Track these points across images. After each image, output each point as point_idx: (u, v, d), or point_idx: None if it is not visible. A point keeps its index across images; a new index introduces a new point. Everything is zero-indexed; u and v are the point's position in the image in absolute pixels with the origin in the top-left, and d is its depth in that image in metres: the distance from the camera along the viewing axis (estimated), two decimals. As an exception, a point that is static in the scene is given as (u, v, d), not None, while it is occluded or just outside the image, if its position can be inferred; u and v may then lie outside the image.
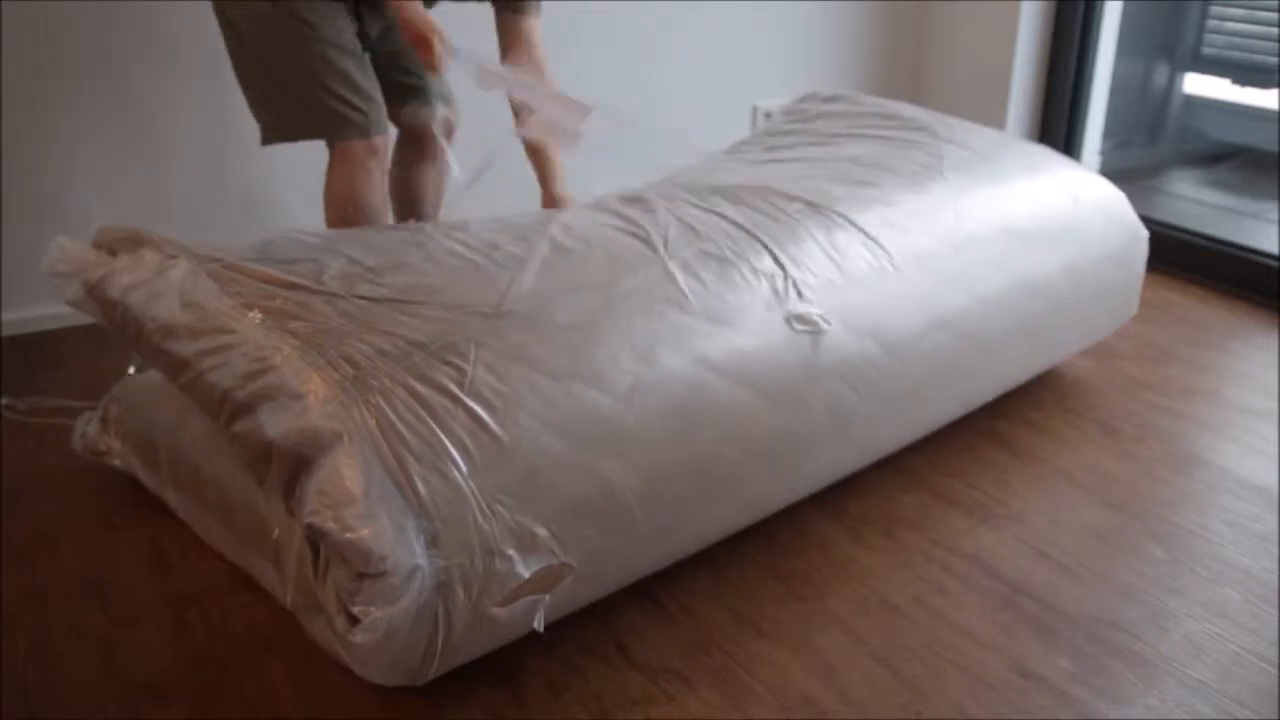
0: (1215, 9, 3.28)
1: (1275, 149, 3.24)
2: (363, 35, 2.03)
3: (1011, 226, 1.99)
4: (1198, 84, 3.37)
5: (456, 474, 1.27)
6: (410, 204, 2.27)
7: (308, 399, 1.29)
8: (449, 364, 1.36)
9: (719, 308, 1.59)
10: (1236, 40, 3.24)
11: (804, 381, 1.62)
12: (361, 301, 1.46)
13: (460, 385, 1.34)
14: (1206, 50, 3.33)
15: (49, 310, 2.40)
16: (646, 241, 1.69)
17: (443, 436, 1.28)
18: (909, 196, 1.93)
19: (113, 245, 1.61)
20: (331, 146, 1.99)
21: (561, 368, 1.41)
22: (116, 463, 1.81)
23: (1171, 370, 2.35)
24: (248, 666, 1.45)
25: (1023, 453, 2.01)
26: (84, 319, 2.37)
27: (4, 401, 2.08)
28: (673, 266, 1.63)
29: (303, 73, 1.91)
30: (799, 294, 1.66)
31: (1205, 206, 2.46)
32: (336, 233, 1.74)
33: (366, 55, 2.02)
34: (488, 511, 1.27)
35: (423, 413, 1.29)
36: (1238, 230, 2.93)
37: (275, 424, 1.28)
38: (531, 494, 1.31)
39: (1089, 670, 1.46)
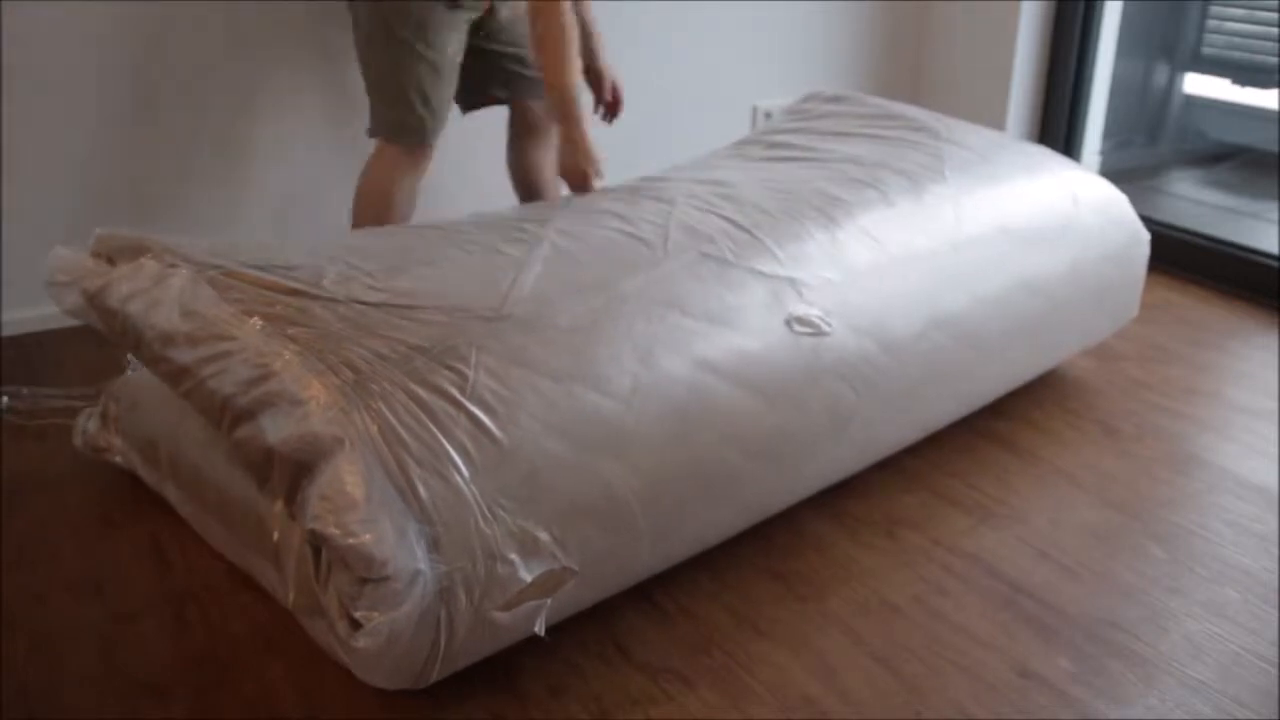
0: (1215, 9, 3.28)
1: (1275, 149, 3.24)
2: (481, 31, 2.15)
3: (1011, 227, 1.99)
4: (1198, 84, 3.37)
5: (458, 478, 1.27)
6: (529, 187, 2.40)
7: (309, 405, 1.29)
8: (450, 368, 1.36)
9: (719, 309, 1.59)
10: (1236, 40, 3.24)
11: (803, 382, 1.62)
12: (361, 306, 1.46)
13: (461, 389, 1.34)
14: (1206, 50, 3.33)
15: (49, 310, 2.39)
16: (647, 243, 1.69)
17: (444, 441, 1.29)
18: (909, 197, 1.93)
19: (111, 253, 1.61)
20: (383, 143, 2.14)
21: (562, 370, 1.42)
22: (117, 459, 1.82)
23: (1171, 370, 2.35)
24: (248, 666, 1.45)
25: (1023, 453, 2.01)
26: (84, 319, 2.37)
27: (4, 402, 2.08)
28: (673, 268, 1.63)
29: (385, 74, 2.06)
30: (799, 295, 1.67)
31: (1205, 206, 2.47)
32: (335, 239, 1.75)
33: (454, 68, 2.11)
34: (489, 515, 1.27)
35: (424, 417, 1.30)
36: (1238, 230, 2.93)
37: (276, 430, 1.28)
38: (533, 497, 1.32)
39: (1089, 670, 1.46)
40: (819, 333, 1.64)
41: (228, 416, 1.35)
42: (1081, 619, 1.56)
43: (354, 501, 1.21)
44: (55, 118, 2.35)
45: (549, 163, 2.33)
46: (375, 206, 2.14)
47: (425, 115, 2.08)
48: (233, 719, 1.36)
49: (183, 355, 1.42)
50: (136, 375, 1.85)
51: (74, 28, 2.31)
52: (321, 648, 1.42)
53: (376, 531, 1.20)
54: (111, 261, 1.60)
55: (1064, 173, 2.17)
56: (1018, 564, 1.68)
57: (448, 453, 1.28)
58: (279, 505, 1.35)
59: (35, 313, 2.42)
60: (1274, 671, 1.46)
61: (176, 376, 1.43)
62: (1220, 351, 2.46)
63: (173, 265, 1.53)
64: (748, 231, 1.75)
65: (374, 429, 1.26)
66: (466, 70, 2.16)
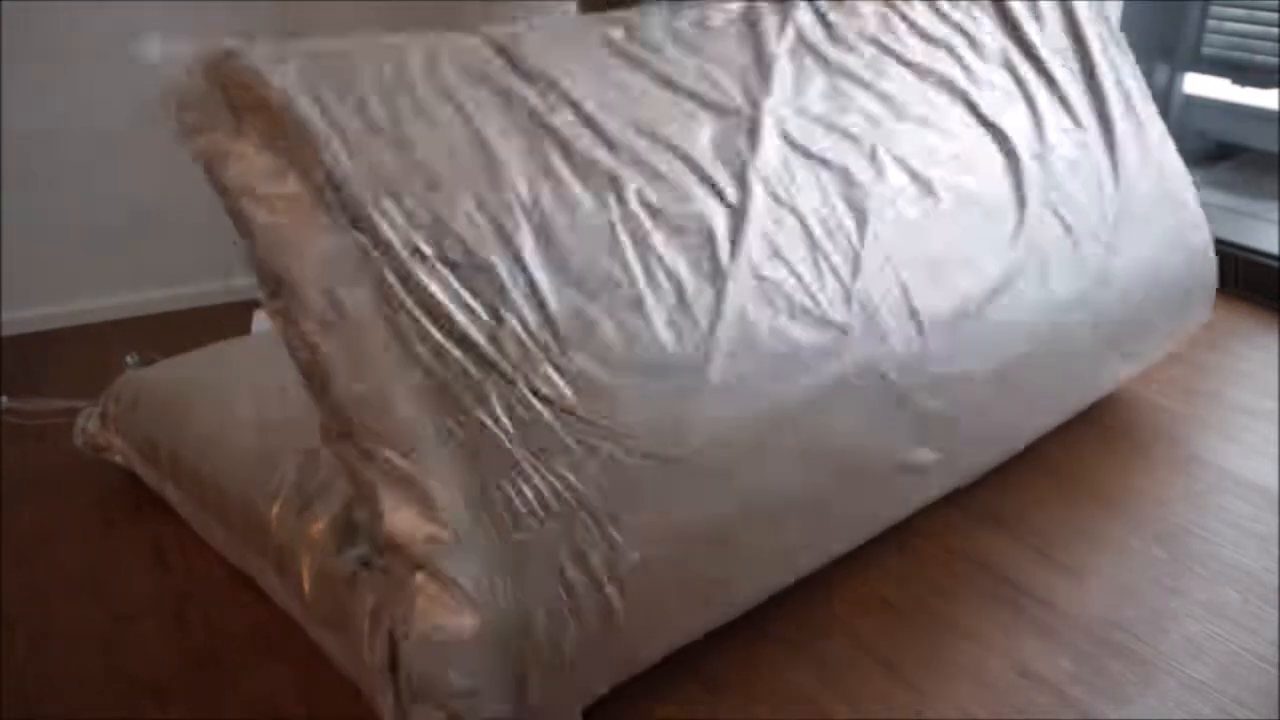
0: (1215, 9, 3.27)
1: (1275, 149, 3.24)
2: None
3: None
4: (1198, 84, 3.36)
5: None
6: None
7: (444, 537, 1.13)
8: (605, 537, 1.20)
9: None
10: (1236, 40, 3.24)
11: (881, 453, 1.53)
12: (540, 408, 1.16)
13: (611, 565, 1.21)
14: (1206, 50, 3.33)
15: (49, 310, 2.40)
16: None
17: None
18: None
19: (236, 100, 1.21)
20: None
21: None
22: (117, 459, 1.81)
23: (1171, 370, 2.34)
24: (248, 666, 1.45)
25: (1024, 453, 2.01)
26: (84, 319, 2.37)
27: (4, 402, 2.08)
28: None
29: None
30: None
31: (1205, 206, 2.46)
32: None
33: None
34: None
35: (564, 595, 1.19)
36: (1238, 230, 2.92)
37: (394, 510, 1.13)
38: None
39: (1089, 670, 1.46)
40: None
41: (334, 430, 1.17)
42: (1081, 619, 1.56)
43: (464, 651, 1.11)
44: (56, 117, 2.35)
45: None
46: None
47: None
48: (232, 719, 1.36)
49: (313, 332, 1.14)
50: (136, 376, 1.85)
51: (75, 26, 2.31)
52: (322, 649, 1.41)
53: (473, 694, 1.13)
54: (237, 114, 1.21)
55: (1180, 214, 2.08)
56: (1018, 564, 1.68)
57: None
58: (277, 506, 1.33)
59: (35, 313, 2.42)
60: (1274, 671, 1.46)
61: (295, 342, 1.16)
62: (1220, 351, 2.46)
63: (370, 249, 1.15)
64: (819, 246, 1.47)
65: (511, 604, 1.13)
66: None
